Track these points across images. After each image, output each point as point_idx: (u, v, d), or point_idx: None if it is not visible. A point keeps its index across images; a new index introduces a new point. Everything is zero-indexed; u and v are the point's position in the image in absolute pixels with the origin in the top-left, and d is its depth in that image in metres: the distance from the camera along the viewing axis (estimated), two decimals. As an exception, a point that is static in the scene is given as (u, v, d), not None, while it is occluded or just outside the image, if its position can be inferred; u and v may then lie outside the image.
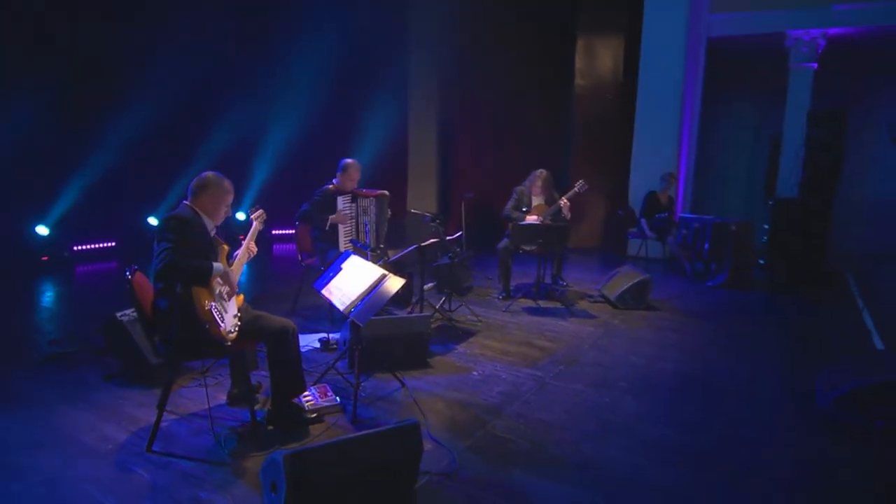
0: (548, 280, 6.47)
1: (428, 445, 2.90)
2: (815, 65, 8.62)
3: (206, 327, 2.78)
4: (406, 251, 4.80)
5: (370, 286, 3.35)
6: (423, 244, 4.86)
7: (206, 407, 3.30)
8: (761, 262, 8.18)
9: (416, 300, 5.20)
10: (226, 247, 3.18)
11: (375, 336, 3.95)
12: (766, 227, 8.11)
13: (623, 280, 6.00)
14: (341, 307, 3.37)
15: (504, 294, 6.14)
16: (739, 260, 7.10)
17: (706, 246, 7.34)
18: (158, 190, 8.08)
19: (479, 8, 9.22)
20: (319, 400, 3.36)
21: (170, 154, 7.82)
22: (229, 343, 2.89)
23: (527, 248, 6.02)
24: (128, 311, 3.80)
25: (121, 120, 7.43)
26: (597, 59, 9.54)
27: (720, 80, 9.94)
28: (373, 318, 3.47)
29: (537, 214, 6.14)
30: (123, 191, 7.64)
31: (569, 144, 9.91)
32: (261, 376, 3.62)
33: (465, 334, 4.94)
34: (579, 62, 9.58)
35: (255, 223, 3.45)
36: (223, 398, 3.45)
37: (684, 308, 6.06)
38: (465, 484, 2.71)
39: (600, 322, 5.44)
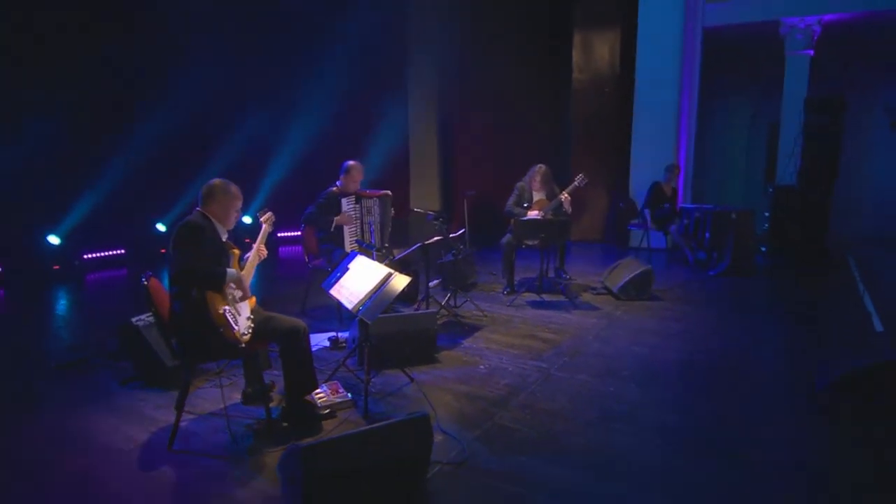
0: (551, 274, 6.57)
1: (438, 437, 3.01)
2: (811, 52, 8.68)
3: (221, 330, 2.89)
4: (411, 249, 4.91)
5: (377, 285, 3.45)
6: (427, 242, 4.97)
7: (223, 406, 3.42)
8: (762, 249, 8.26)
9: (422, 297, 5.31)
10: (237, 251, 3.28)
11: (383, 333, 4.05)
12: (767, 214, 8.19)
13: (625, 271, 6.09)
14: (350, 306, 3.48)
15: (508, 289, 6.24)
16: (740, 248, 7.19)
17: (707, 235, 7.42)
18: (167, 198, 8.22)
19: (477, 6, 9.31)
20: (331, 396, 3.47)
21: (178, 162, 7.94)
22: (243, 345, 3.00)
23: (529, 242, 6.12)
24: (143, 316, 3.92)
25: (129, 129, 7.57)
26: (594, 53, 9.61)
27: (717, 70, 10.00)
28: (380, 315, 3.58)
29: (538, 209, 6.23)
30: (132, 199, 7.76)
31: (568, 139, 10.00)
32: (274, 375, 3.75)
33: (471, 329, 5.04)
34: (576, 56, 9.65)
35: (264, 226, 3.55)
36: (238, 397, 3.56)
37: (687, 297, 6.15)
38: (474, 472, 2.81)
39: (603, 313, 5.54)
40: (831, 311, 5.87)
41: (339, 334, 4.66)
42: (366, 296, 3.44)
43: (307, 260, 5.42)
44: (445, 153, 10.39)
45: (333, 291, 3.71)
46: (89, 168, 7.45)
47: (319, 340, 4.63)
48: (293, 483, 2.42)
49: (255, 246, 3.44)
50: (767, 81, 10.06)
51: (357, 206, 5.20)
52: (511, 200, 6.37)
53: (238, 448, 3.04)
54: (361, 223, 5.24)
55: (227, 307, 2.94)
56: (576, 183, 6.17)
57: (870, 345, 4.64)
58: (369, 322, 3.44)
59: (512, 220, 6.12)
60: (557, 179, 6.59)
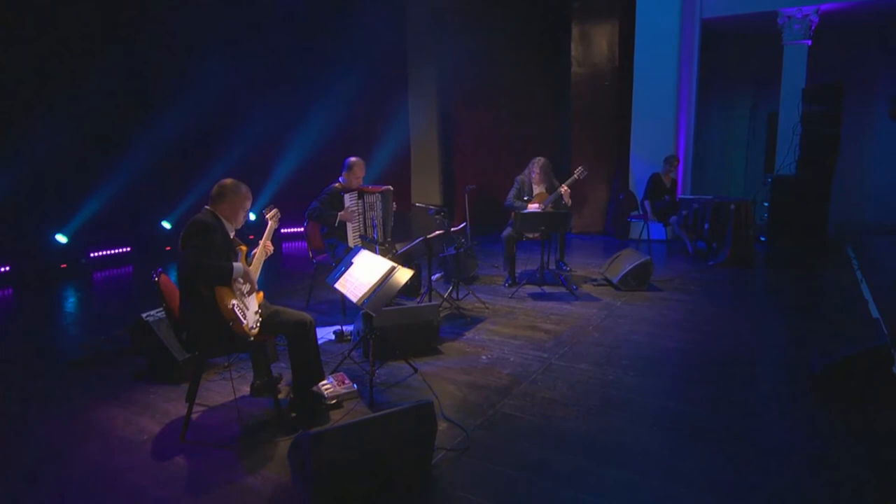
0: (552, 266, 6.66)
1: (442, 425, 3.10)
2: (809, 41, 8.70)
3: (230, 324, 2.98)
4: (413, 243, 4.99)
5: (381, 278, 3.54)
6: (429, 236, 5.05)
7: (232, 398, 3.52)
8: (762, 239, 8.32)
9: (424, 290, 5.39)
10: (244, 248, 3.37)
11: (388, 326, 4.14)
12: (766, 204, 8.24)
13: (625, 262, 6.17)
14: (354, 299, 3.56)
15: (510, 281, 6.33)
16: (740, 238, 7.26)
17: (706, 226, 7.49)
18: (173, 196, 8.34)
19: (476, 0, 9.36)
20: (337, 387, 3.56)
21: (183, 161, 8.07)
22: (252, 338, 3.09)
23: (530, 235, 6.20)
24: (153, 312, 4.02)
25: (136, 129, 7.70)
26: (592, 46, 9.64)
27: (716, 61, 10.04)
28: (384, 308, 3.67)
29: (539, 202, 6.31)
30: (138, 197, 7.89)
31: (568, 132, 10.05)
32: (281, 368, 3.85)
33: (474, 321, 5.13)
34: (575, 49, 9.69)
35: (270, 222, 3.64)
36: (247, 390, 3.66)
37: (686, 287, 6.23)
38: (477, 458, 2.91)
39: (603, 304, 5.62)
40: (829, 300, 5.94)
41: (344, 328, 4.75)
42: (370, 289, 3.53)
43: (311, 255, 5.51)
44: (446, 148, 10.47)
45: (338, 285, 3.80)
46: (96, 167, 7.56)
47: (324, 334, 4.72)
48: (302, 470, 2.51)
49: (261, 242, 3.52)
50: (766, 72, 10.08)
51: (360, 201, 5.28)
52: (511, 193, 6.45)
53: (248, 438, 3.14)
54: (364, 218, 5.32)
55: (235, 302, 3.03)
56: (575, 175, 6.24)
57: (864, 331, 4.71)
58: (374, 314, 3.53)
59: (512, 213, 6.20)
60: (557, 172, 6.66)
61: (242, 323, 3.00)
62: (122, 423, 3.35)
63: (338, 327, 4.77)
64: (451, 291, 5.66)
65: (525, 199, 6.39)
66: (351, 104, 9.21)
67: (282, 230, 9.66)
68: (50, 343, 4.95)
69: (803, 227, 7.83)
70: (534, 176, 6.42)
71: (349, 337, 4.65)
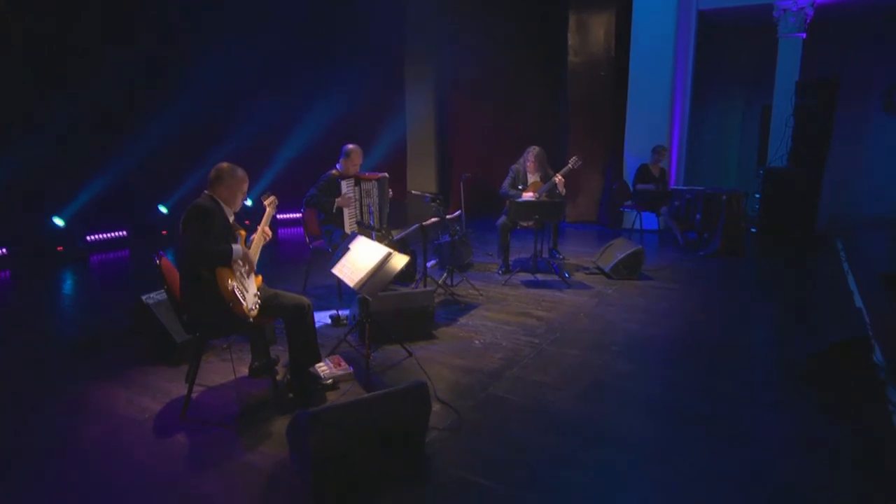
0: (545, 254, 6.75)
1: (435, 406, 3.20)
2: (804, 35, 8.76)
3: (231, 305, 3.06)
4: (409, 230, 5.07)
5: (378, 264, 3.62)
6: (424, 223, 5.13)
7: (230, 379, 3.62)
8: (752, 230, 8.44)
9: (419, 276, 5.48)
10: (243, 232, 3.43)
11: (383, 310, 4.23)
12: (758, 196, 8.35)
13: (616, 251, 6.27)
14: (351, 284, 3.65)
15: (503, 268, 6.42)
16: (731, 229, 7.36)
17: (698, 216, 7.59)
18: (169, 181, 8.39)
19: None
20: (334, 369, 3.66)
21: (180, 146, 8.10)
22: (251, 319, 3.18)
23: (524, 223, 6.29)
24: (152, 295, 4.09)
25: (133, 114, 7.74)
26: (589, 35, 9.67)
27: (712, 53, 10.09)
28: (380, 293, 3.75)
29: (533, 191, 6.38)
30: (135, 182, 7.93)
31: (565, 121, 10.10)
32: (278, 350, 3.94)
33: (467, 307, 5.23)
34: (572, 39, 9.71)
35: (268, 209, 3.70)
36: (245, 371, 3.74)
37: (677, 277, 6.33)
38: (468, 437, 3.01)
39: (595, 292, 5.72)
40: (816, 291, 6.06)
41: (340, 312, 4.84)
42: (367, 274, 3.61)
43: (308, 241, 5.58)
44: (442, 136, 10.51)
45: (336, 270, 3.88)
46: (94, 151, 7.59)
47: (321, 318, 4.80)
48: (300, 447, 2.60)
49: (259, 227, 3.59)
50: (762, 62, 10.13)
51: (356, 188, 5.34)
52: (507, 182, 6.52)
53: (247, 417, 3.24)
54: (360, 205, 5.39)
55: (235, 283, 3.11)
56: (570, 165, 6.31)
57: (848, 322, 4.83)
58: (370, 299, 3.61)
59: (507, 202, 6.27)
60: (553, 161, 6.74)
61: (242, 304, 3.08)
62: (125, 402, 3.43)
63: (334, 311, 4.86)
64: (446, 278, 5.74)
65: (520, 187, 6.46)
66: (348, 92, 9.22)
67: (278, 216, 9.70)
68: (49, 326, 5.02)
69: (794, 219, 7.94)
70: (528, 165, 6.49)
71: (345, 321, 4.74)
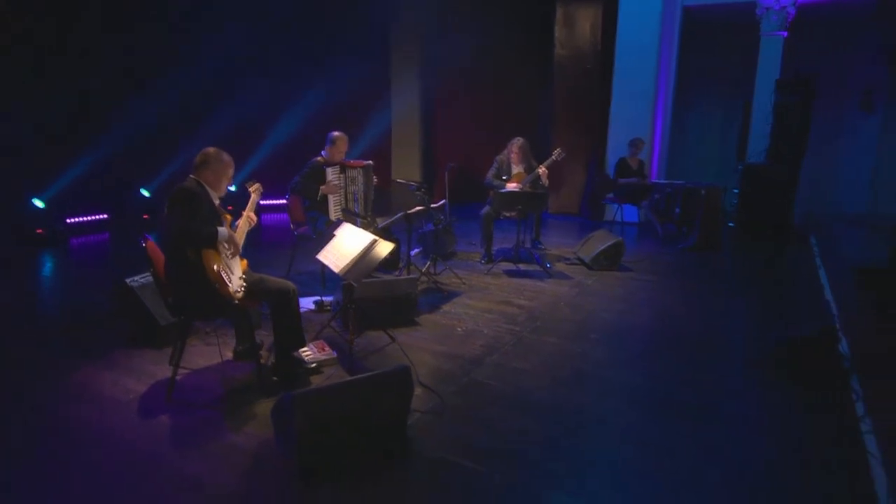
0: (527, 244, 6.84)
1: (417, 390, 3.27)
2: (785, 33, 8.91)
3: (216, 287, 3.09)
4: (394, 218, 5.12)
5: (362, 251, 3.67)
6: (409, 212, 5.18)
7: (215, 362, 3.66)
8: (730, 224, 8.61)
9: (403, 264, 5.54)
10: (229, 217, 3.46)
11: (367, 297, 4.28)
12: (736, 191, 8.52)
13: (597, 243, 6.38)
14: (336, 269, 3.69)
15: (486, 257, 6.50)
16: (709, 223, 7.51)
17: (678, 210, 7.74)
18: (151, 164, 8.32)
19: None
20: (318, 354, 3.71)
21: (163, 130, 8.04)
22: (236, 301, 3.21)
23: (507, 214, 6.36)
24: (136, 278, 4.09)
25: (117, 97, 7.65)
26: (576, 28, 9.73)
27: (696, 49, 10.21)
28: (364, 280, 3.80)
29: (517, 182, 6.46)
30: (117, 165, 7.85)
31: (550, 113, 10.18)
32: (262, 335, 3.98)
33: (450, 295, 5.30)
34: (558, 31, 9.77)
35: (252, 195, 3.73)
36: (229, 354, 3.78)
37: (656, 269, 6.47)
38: (449, 420, 3.09)
39: (575, 282, 5.83)
40: (789, 284, 6.23)
41: (324, 298, 4.88)
42: (352, 260, 3.66)
43: (293, 227, 5.59)
44: (427, 126, 10.53)
45: (321, 256, 3.92)
46: (75, 133, 7.51)
47: (305, 304, 4.83)
48: (285, 428, 2.66)
49: (244, 213, 3.62)
50: (744, 59, 10.28)
51: (342, 175, 5.36)
52: (491, 173, 6.59)
53: (232, 399, 3.28)
54: (346, 192, 5.41)
55: (220, 265, 3.14)
56: (553, 157, 6.39)
57: (818, 313, 4.99)
58: (355, 285, 3.66)
59: (491, 192, 6.34)
60: (538, 153, 6.81)
61: (228, 286, 3.12)
62: (110, 384, 3.45)
63: (318, 297, 4.90)
64: (430, 266, 5.81)
65: (504, 178, 6.53)
66: (335, 80, 9.20)
67: (263, 202, 9.66)
68: (31, 308, 4.99)
69: (770, 214, 8.11)
70: (512, 156, 6.56)
71: (329, 307, 4.78)
